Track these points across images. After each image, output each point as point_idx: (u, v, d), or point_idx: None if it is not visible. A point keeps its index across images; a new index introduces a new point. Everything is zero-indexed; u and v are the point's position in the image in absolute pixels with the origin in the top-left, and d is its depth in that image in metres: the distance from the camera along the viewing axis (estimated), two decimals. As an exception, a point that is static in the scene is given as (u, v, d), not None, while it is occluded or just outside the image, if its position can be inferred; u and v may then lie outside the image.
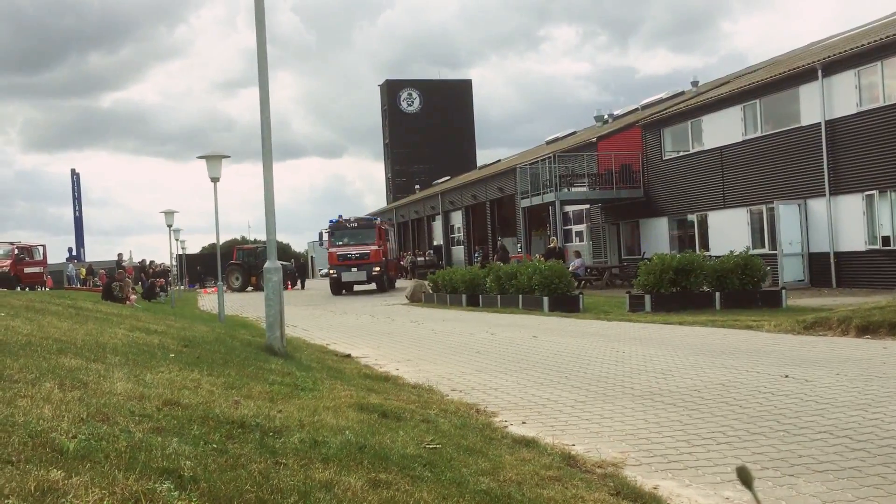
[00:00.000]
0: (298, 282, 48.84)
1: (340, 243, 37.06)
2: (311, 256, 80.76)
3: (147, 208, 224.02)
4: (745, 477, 1.42)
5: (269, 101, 10.65)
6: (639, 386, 8.36)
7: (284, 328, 10.01)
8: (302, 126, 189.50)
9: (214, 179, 20.66)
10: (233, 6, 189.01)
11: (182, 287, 48.23)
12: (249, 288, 45.78)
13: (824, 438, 5.77)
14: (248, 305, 27.97)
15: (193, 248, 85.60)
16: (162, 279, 39.47)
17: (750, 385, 8.03)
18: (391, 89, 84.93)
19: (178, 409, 4.10)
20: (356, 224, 38.29)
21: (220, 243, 26.03)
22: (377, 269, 36.57)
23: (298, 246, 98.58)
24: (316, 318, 22.31)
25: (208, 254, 61.30)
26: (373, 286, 37.59)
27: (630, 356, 10.72)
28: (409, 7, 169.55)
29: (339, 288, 37.05)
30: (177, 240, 42.37)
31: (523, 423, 6.76)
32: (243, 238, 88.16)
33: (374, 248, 36.75)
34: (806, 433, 5.95)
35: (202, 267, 58.12)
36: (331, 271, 37.75)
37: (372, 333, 16.69)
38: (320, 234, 39.76)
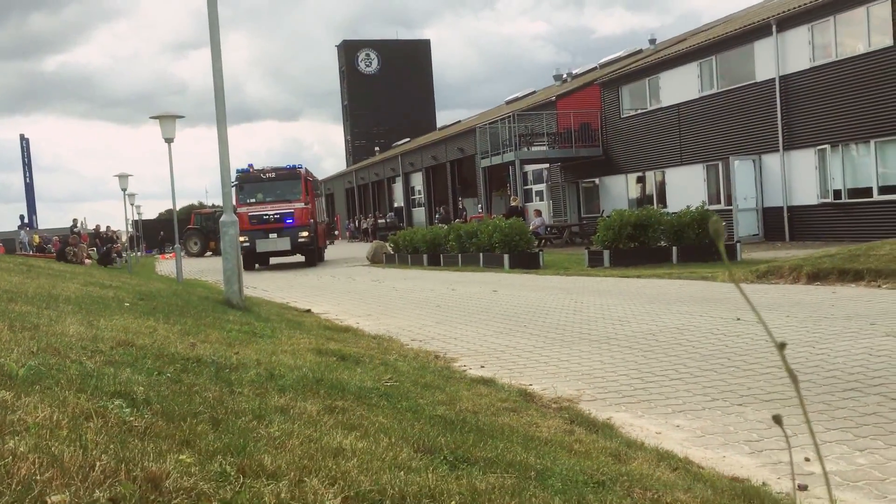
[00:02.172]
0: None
1: (253, 200, 28.13)
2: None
3: (100, 174, 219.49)
4: (716, 229, 1.12)
5: (222, 62, 10.41)
6: (596, 332, 8.50)
7: (243, 282, 9.95)
8: (257, 89, 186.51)
9: (168, 140, 20.32)
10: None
11: (139, 253, 47.53)
12: (208, 253, 45.31)
13: (772, 372, 5.94)
14: (207, 270, 27.68)
15: (150, 213, 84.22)
16: (118, 245, 38.83)
17: (703, 328, 8.21)
18: (349, 50, 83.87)
19: (131, 349, 4.07)
20: (273, 174, 28.69)
21: (178, 209, 25.62)
22: (305, 234, 27.75)
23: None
24: (275, 280, 22.20)
25: (168, 219, 60.42)
26: (300, 258, 29.18)
27: (588, 306, 10.87)
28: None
29: (253, 261, 28.17)
30: (132, 205, 41.68)
31: (482, 367, 6.84)
32: (200, 203, 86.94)
33: (299, 205, 27.89)
34: (755, 368, 6.12)
35: (164, 232, 57.31)
36: (241, 239, 28.44)
37: (333, 292, 16.67)
38: None
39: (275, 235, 27.55)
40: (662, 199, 29.33)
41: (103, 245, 37.01)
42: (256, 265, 28.96)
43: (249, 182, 28.50)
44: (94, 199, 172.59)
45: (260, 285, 19.29)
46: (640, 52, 38.33)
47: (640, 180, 31.46)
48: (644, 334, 8.13)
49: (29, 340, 3.59)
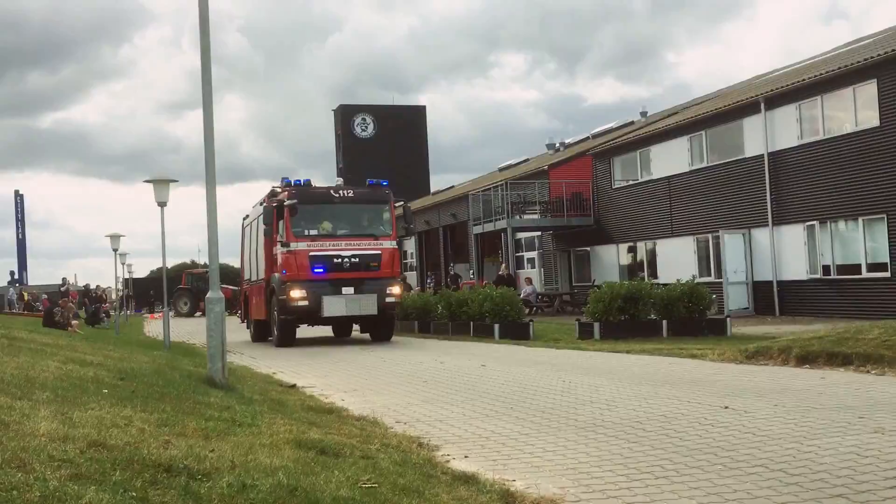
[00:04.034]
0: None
1: (315, 232, 18.74)
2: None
3: (92, 231, 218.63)
4: None
5: (214, 126, 10.39)
6: (583, 417, 8.39)
7: (226, 359, 9.84)
8: (251, 149, 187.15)
9: (162, 204, 20.31)
10: (178, 26, 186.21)
11: (128, 312, 47.26)
12: (198, 313, 45.09)
13: (759, 472, 5.84)
14: (196, 332, 27.41)
15: (141, 271, 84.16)
16: (107, 304, 38.64)
17: (690, 416, 8.11)
18: (345, 114, 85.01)
19: (102, 451, 3.98)
20: (351, 193, 19.47)
21: (169, 267, 25.59)
22: (396, 291, 19.26)
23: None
24: (263, 346, 21.99)
25: (159, 278, 60.34)
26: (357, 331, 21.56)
27: (576, 386, 10.78)
28: (357, 31, 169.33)
29: (293, 333, 19.56)
30: (123, 264, 41.59)
31: (465, 457, 6.72)
32: (192, 262, 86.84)
33: (388, 244, 19.18)
34: (742, 466, 6.02)
35: (154, 291, 57.12)
36: (292, 294, 18.29)
37: (319, 361, 16.50)
38: (267, 212, 18.89)
39: (351, 290, 18.39)
40: (653, 269, 29.42)
41: (92, 304, 36.83)
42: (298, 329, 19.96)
43: (311, 203, 18.92)
44: (85, 255, 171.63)
45: (247, 352, 19.10)
46: (631, 123, 38.96)
47: (632, 250, 31.62)
48: (631, 422, 8.03)
49: (-5, 448, 3.51)
